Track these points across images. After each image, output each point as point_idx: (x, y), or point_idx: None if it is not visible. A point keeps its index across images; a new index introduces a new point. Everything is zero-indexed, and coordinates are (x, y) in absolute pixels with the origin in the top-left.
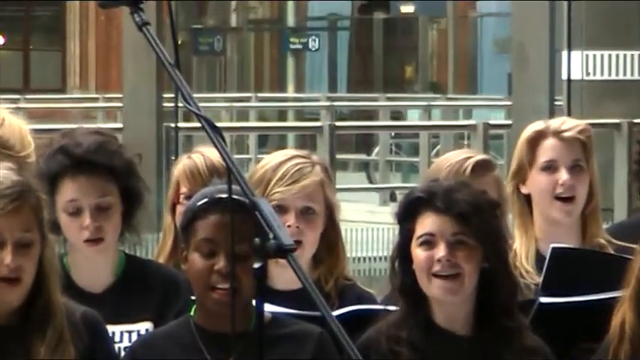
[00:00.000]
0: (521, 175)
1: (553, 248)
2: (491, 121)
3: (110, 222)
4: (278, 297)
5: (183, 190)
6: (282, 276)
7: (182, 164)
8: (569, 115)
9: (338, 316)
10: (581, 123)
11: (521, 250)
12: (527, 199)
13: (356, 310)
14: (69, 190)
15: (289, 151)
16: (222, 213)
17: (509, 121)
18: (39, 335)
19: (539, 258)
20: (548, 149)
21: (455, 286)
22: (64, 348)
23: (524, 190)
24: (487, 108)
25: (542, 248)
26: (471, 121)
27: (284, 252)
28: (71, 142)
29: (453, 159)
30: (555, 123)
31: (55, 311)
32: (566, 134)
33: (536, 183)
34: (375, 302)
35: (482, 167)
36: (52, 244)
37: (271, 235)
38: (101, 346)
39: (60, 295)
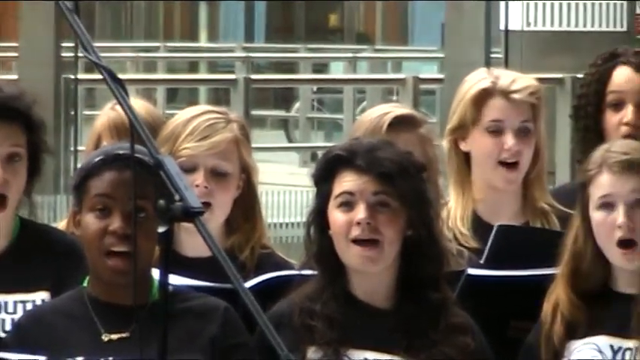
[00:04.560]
0: (461, 132)
1: (498, 226)
2: (422, 75)
3: (17, 178)
4: (186, 265)
5: (105, 145)
6: (191, 242)
7: (106, 117)
8: (506, 68)
9: (252, 287)
10: (532, 83)
11: (457, 210)
12: (466, 156)
13: (270, 279)
14: None
15: (204, 107)
16: (119, 170)
17: (441, 75)
18: None
19: (475, 220)
20: (494, 109)
21: (374, 254)
22: None
23: (463, 147)
24: (418, 61)
25: (481, 211)
26: (401, 75)
27: (191, 215)
28: None
29: (373, 115)
30: (504, 81)
31: None
32: (516, 96)
33: (480, 145)
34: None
35: (402, 123)
36: None
37: (177, 197)
38: None
39: None
